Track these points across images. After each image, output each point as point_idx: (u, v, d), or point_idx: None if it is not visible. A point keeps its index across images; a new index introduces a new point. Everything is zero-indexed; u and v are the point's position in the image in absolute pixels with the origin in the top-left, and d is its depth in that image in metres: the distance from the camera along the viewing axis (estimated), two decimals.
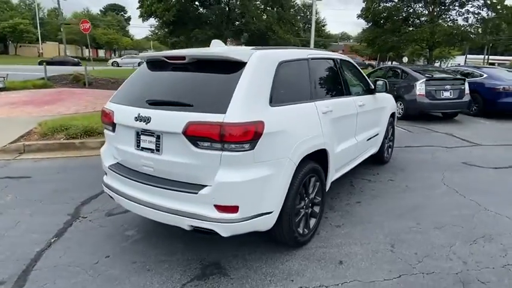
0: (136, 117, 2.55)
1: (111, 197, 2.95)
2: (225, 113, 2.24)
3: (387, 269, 2.68)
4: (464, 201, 4.00)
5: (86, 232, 3.25)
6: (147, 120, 2.49)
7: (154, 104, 2.55)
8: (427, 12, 20.31)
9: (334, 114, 3.23)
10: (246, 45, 39.27)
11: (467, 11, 19.57)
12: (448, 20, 19.27)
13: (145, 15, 14.88)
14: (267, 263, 2.74)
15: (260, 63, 2.54)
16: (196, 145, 2.32)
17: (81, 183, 4.44)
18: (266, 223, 2.49)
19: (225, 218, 2.30)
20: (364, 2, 22.31)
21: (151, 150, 2.56)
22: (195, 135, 2.30)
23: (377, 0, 21.60)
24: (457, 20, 19.42)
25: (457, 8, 19.39)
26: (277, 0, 15.35)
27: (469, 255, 2.88)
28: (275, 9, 14.78)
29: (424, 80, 9.01)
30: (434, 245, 3.03)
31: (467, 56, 43.50)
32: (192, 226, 2.39)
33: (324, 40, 67.82)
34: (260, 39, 17.95)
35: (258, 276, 2.58)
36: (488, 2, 17.28)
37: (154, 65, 2.96)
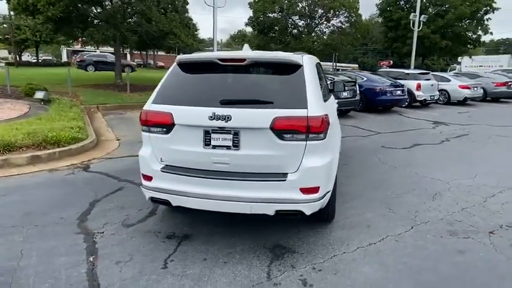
0: (211, 117, 2.66)
1: (163, 201, 2.89)
2: (306, 108, 2.62)
3: (400, 224, 3.49)
4: (406, 172, 5.24)
5: (123, 245, 3.05)
6: (226, 118, 2.63)
7: (229, 103, 2.70)
8: (305, 24, 23.49)
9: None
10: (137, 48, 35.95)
11: (333, 25, 23.62)
12: (319, 32, 22.76)
13: (19, 9, 12.48)
14: (318, 237, 3.20)
15: (311, 65, 2.99)
16: (281, 138, 2.62)
17: (47, 203, 3.94)
18: (327, 200, 2.95)
19: (308, 199, 2.68)
20: (251, 9, 24.23)
21: (227, 147, 2.71)
22: (281, 129, 2.60)
23: (261, 10, 23.67)
24: (325, 32, 23.25)
25: (325, 22, 23.17)
26: (174, 4, 15.24)
27: (437, 207, 3.95)
28: (173, 12, 14.68)
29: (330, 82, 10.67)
30: (413, 203, 4.02)
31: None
32: (277, 211, 2.67)
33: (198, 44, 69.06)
34: (156, 41, 17.47)
35: (320, 247, 3.02)
36: (352, 19, 21.41)
37: (200, 66, 3.04)
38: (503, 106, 15.52)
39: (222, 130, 2.70)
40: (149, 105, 2.92)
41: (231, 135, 2.70)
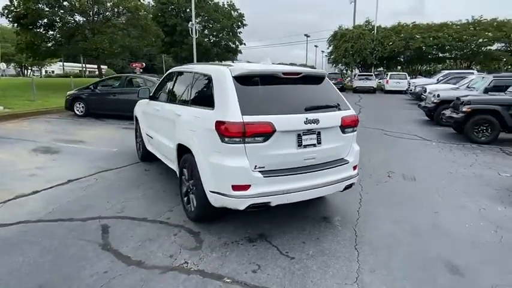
0: (305, 121, 3.19)
1: (262, 205, 3.11)
2: (350, 109, 3.65)
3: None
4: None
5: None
6: (315, 121, 3.24)
7: (311, 109, 3.30)
8: (84, 21, 20.88)
9: None
10: None
11: (115, 26, 22.39)
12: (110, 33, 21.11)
13: None
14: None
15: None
16: (344, 132, 3.53)
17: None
18: None
19: (356, 173, 3.74)
20: None
21: (314, 145, 3.31)
22: (345, 125, 3.50)
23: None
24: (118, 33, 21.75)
25: (105, 21, 21.61)
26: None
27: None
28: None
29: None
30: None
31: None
32: (346, 186, 3.57)
33: None
34: None
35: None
36: (140, 22, 21.18)
37: (264, 79, 3.34)
38: None
39: (310, 132, 3.28)
40: (235, 117, 3.00)
41: (315, 135, 3.33)
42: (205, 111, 3.36)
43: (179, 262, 2.95)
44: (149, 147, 5.63)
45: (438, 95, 11.36)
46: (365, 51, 32.10)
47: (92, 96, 11.95)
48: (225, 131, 3.03)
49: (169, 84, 4.76)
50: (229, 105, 3.09)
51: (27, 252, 3.08)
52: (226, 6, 32.07)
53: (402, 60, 34.17)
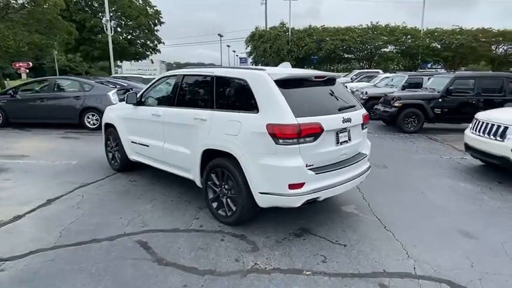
0: (343, 120, 3.51)
1: (312, 200, 3.34)
2: (362, 107, 4.10)
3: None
4: None
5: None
6: (349, 120, 3.59)
7: (343, 109, 3.62)
8: None
9: None
10: None
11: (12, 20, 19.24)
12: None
13: None
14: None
15: None
16: (363, 128, 3.96)
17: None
18: None
19: (369, 165, 4.21)
20: None
21: (346, 141, 3.66)
22: (364, 123, 3.93)
23: None
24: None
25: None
26: None
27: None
28: None
29: (116, 90, 10.19)
30: None
31: None
32: (366, 176, 4.01)
33: None
34: None
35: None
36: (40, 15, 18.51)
37: (299, 82, 3.54)
38: None
39: (344, 130, 3.61)
40: (291, 119, 3.17)
41: (347, 133, 3.68)
42: (246, 115, 3.42)
43: (250, 264, 2.99)
44: (134, 157, 5.29)
45: (366, 92, 12.87)
46: (282, 52, 33.97)
47: (11, 103, 10.35)
48: (279, 133, 3.16)
49: (171, 89, 4.56)
50: (281, 109, 3.22)
51: (76, 282, 2.76)
52: (141, 2, 30.35)
53: (315, 61, 37.10)
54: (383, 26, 34.63)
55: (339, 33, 34.67)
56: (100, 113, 9.88)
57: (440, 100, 9.69)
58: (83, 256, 3.13)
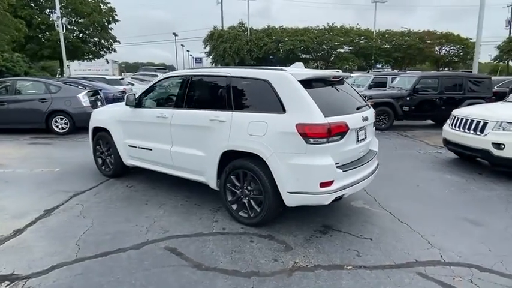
0: (362, 119, 3.67)
1: (339, 198, 3.46)
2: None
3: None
4: None
5: None
6: (367, 119, 3.76)
7: (359, 108, 3.78)
8: None
9: None
10: None
11: None
12: None
13: None
14: None
15: None
16: (372, 126, 4.16)
17: None
18: None
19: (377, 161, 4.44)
20: None
21: (363, 139, 3.82)
22: (374, 121, 4.14)
23: None
24: None
25: None
26: None
27: None
28: None
29: (86, 92, 9.59)
30: None
31: None
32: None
33: None
34: None
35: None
36: None
37: (318, 81, 3.63)
38: None
39: (362, 128, 3.77)
40: (321, 119, 3.25)
41: (364, 131, 3.84)
42: (273, 116, 3.44)
43: (290, 263, 3.03)
44: (132, 161, 5.07)
45: None
46: (242, 52, 34.08)
47: None
48: (310, 133, 3.23)
49: (178, 90, 4.42)
50: (310, 109, 3.29)
51: None
52: None
53: (273, 60, 37.69)
54: (338, 27, 36.13)
55: (297, 34, 35.57)
56: (69, 116, 9.29)
57: (408, 98, 10.36)
58: (114, 267, 2.96)
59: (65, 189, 4.97)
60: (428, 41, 36.38)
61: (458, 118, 6.22)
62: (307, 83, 3.50)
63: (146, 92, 4.86)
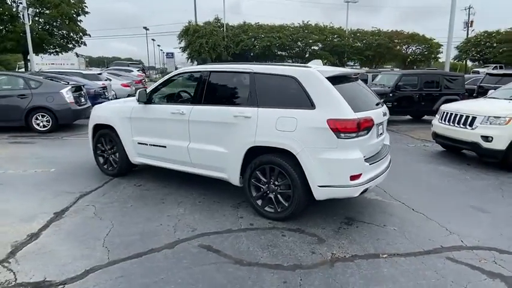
0: (383, 114, 3.82)
1: (365, 190, 3.58)
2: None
3: None
4: None
5: None
6: (385, 114, 3.92)
7: (378, 104, 3.93)
8: None
9: None
10: None
11: None
12: None
13: None
14: None
15: None
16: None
17: None
18: None
19: None
20: None
21: (381, 134, 3.99)
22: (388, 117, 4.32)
23: None
24: None
25: None
26: None
27: None
28: None
29: (70, 87, 9.15)
30: None
31: None
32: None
33: None
34: None
35: None
36: None
37: (342, 79, 3.73)
38: None
39: (381, 123, 3.92)
40: (352, 114, 3.36)
41: (382, 126, 4.00)
42: (302, 111, 3.50)
43: (328, 255, 3.13)
44: (140, 159, 4.95)
45: None
46: (219, 48, 33.79)
47: None
48: (342, 128, 3.33)
49: (196, 86, 4.35)
50: (340, 104, 3.39)
51: None
52: None
53: (250, 57, 37.70)
54: (313, 25, 36.73)
55: (273, 31, 35.76)
56: (52, 113, 8.84)
57: (390, 95, 10.78)
58: (154, 267, 2.91)
59: (68, 190, 4.76)
60: (396, 41, 37.91)
61: (447, 113, 6.58)
62: (333, 80, 3.59)
63: (157, 88, 4.75)
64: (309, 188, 3.51)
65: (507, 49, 33.89)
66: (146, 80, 23.24)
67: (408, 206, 4.26)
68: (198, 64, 35.76)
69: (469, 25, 40.27)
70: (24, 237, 3.45)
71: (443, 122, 6.66)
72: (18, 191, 4.73)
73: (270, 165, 3.73)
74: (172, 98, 4.76)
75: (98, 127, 5.35)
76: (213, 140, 4.10)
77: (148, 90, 4.74)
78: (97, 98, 11.56)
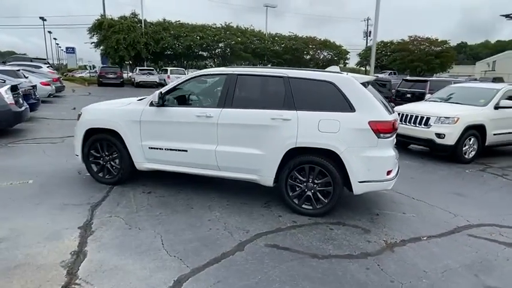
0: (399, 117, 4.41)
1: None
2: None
3: None
4: None
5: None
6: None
7: (392, 107, 4.51)
8: None
9: None
10: None
11: None
12: None
13: None
14: None
15: None
16: None
17: None
18: None
19: None
20: None
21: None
22: None
23: None
24: None
25: None
26: None
27: None
28: None
29: (9, 86, 7.83)
30: None
31: None
32: None
33: None
34: None
35: None
36: None
37: (365, 85, 4.17)
38: None
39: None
40: (388, 116, 3.85)
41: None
42: (344, 114, 3.85)
43: (381, 242, 3.55)
44: (151, 165, 4.67)
45: None
46: (139, 45, 31.97)
47: None
48: (381, 129, 3.79)
49: (222, 89, 4.32)
50: (377, 108, 3.85)
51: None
52: None
53: (171, 56, 36.48)
54: (235, 27, 37.39)
55: (195, 30, 35.30)
56: None
57: None
58: (242, 270, 2.93)
59: (70, 202, 4.28)
60: (311, 46, 41.12)
61: (404, 114, 7.68)
62: (364, 86, 4.03)
63: (171, 90, 4.56)
64: (342, 185, 3.89)
65: (398, 58, 39.61)
66: (62, 78, 20.73)
67: (407, 196, 4.97)
68: (114, 63, 33.23)
69: (368, 35, 45.82)
70: (68, 256, 3.07)
71: (401, 122, 7.74)
72: (11, 207, 4.06)
73: (310, 164, 3.99)
74: (195, 101, 4.62)
75: (91, 132, 4.84)
76: (246, 143, 4.16)
77: (162, 92, 4.52)
78: (28, 98, 10.05)
